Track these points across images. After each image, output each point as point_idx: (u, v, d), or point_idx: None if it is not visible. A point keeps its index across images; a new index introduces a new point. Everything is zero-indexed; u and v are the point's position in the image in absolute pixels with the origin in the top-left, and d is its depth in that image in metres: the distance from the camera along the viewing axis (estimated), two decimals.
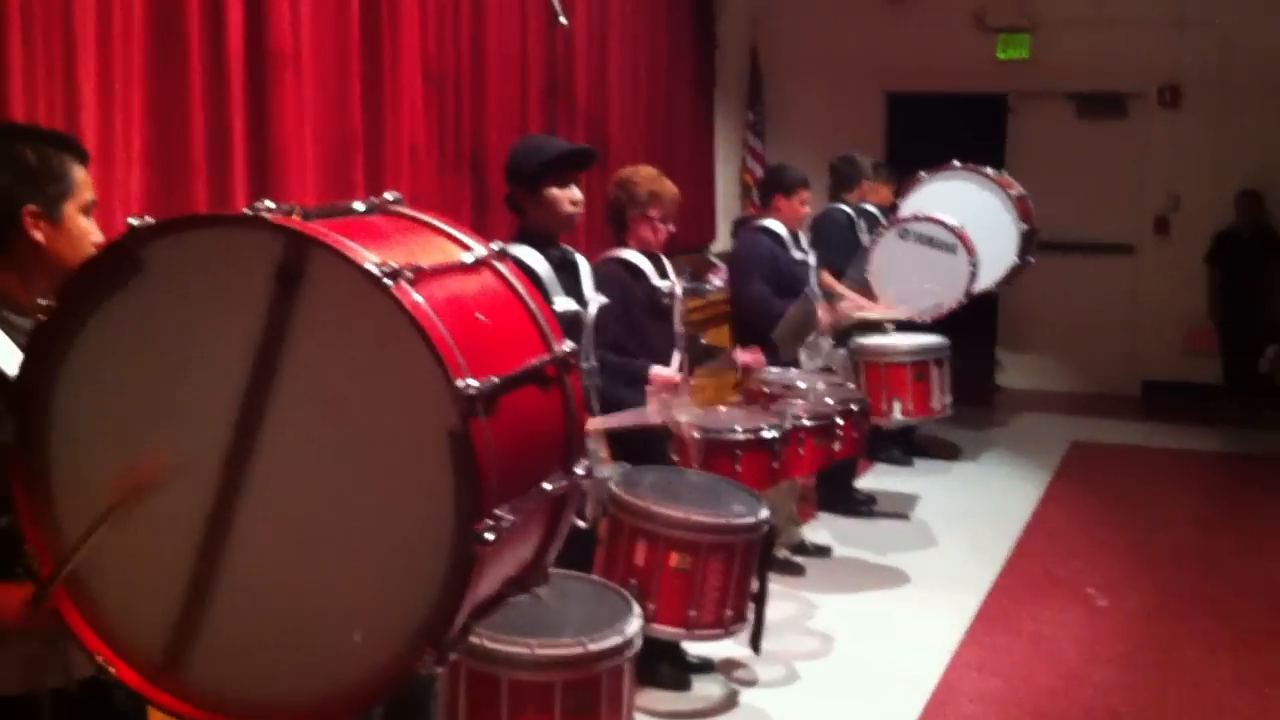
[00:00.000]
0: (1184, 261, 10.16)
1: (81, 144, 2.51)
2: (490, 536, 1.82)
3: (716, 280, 9.14)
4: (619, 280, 4.66)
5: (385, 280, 1.82)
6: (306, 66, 5.35)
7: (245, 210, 1.90)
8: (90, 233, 2.40)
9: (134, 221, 1.95)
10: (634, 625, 3.27)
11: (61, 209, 2.35)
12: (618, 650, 3.19)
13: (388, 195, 2.21)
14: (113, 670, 1.99)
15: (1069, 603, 5.86)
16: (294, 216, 1.92)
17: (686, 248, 9.40)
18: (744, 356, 5.22)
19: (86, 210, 2.41)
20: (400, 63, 6.01)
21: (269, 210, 1.90)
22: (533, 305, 2.17)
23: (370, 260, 1.83)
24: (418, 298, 1.84)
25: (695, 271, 9.21)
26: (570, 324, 3.96)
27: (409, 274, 1.86)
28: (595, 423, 3.99)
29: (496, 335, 2.04)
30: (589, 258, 4.44)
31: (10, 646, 2.22)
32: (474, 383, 1.81)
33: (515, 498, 1.92)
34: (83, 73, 4.26)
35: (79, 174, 2.40)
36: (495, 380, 1.87)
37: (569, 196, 4.04)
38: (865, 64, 10.55)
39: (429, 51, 6.26)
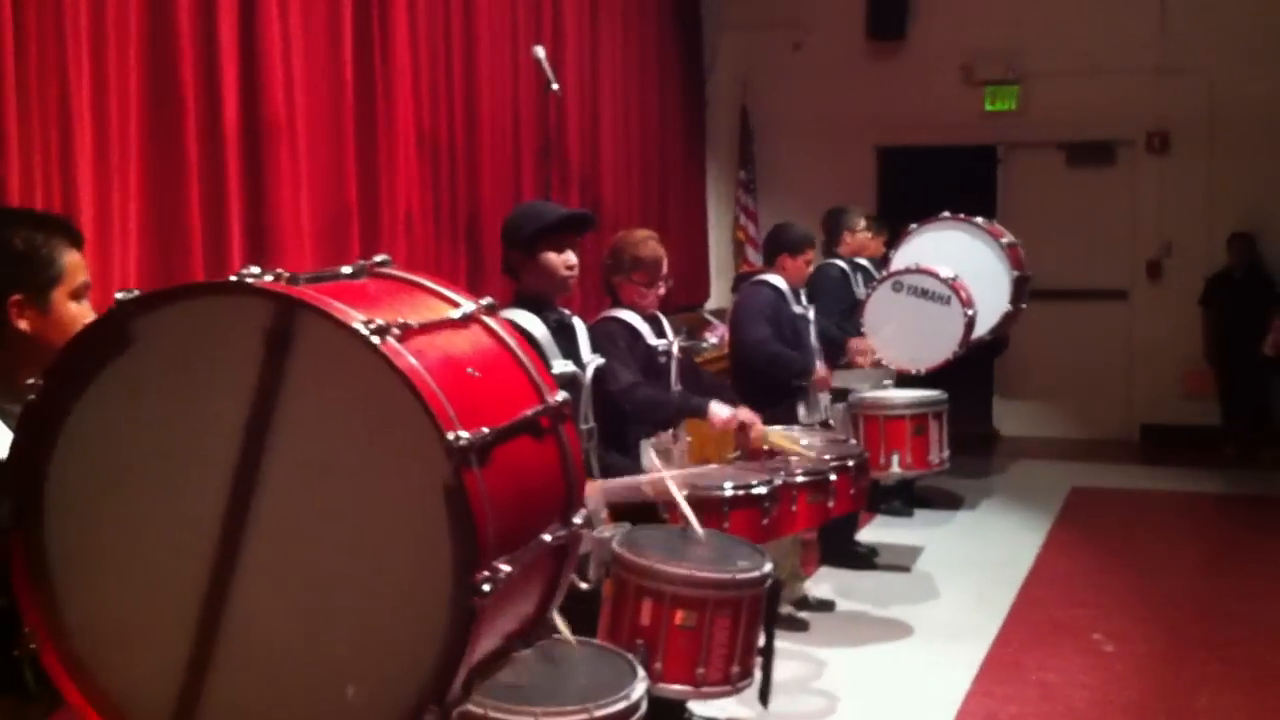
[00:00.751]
0: (1178, 305, 10.21)
1: (75, 226, 2.52)
2: (488, 588, 1.82)
3: (712, 338, 9.17)
4: (620, 333, 4.72)
5: (373, 338, 1.83)
6: (301, 137, 5.41)
7: (231, 278, 1.92)
8: (81, 317, 2.38)
9: (121, 296, 1.97)
10: (639, 689, 3.25)
11: (49, 296, 2.35)
12: (624, 715, 3.14)
13: (376, 258, 2.23)
14: None
15: (1076, 650, 5.83)
16: (281, 282, 1.94)
17: (681, 306, 9.45)
18: (744, 416, 5.20)
19: (78, 294, 2.41)
20: (394, 130, 6.07)
21: (255, 277, 1.92)
22: (524, 358, 2.18)
23: (357, 319, 1.85)
24: (406, 353, 1.86)
25: (691, 329, 9.24)
26: (569, 386, 3.98)
27: (396, 330, 1.88)
28: (593, 485, 4.00)
29: (488, 388, 2.05)
30: (587, 319, 4.48)
31: None
32: (465, 434, 1.82)
33: (514, 549, 1.92)
34: (79, 148, 4.30)
35: (70, 259, 2.39)
36: (487, 431, 1.88)
37: (564, 261, 4.08)
38: (855, 119, 10.64)
39: (422, 118, 6.33)
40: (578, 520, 2.15)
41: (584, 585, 3.93)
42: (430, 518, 1.83)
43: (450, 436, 1.80)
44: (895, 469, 6.56)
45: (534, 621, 2.16)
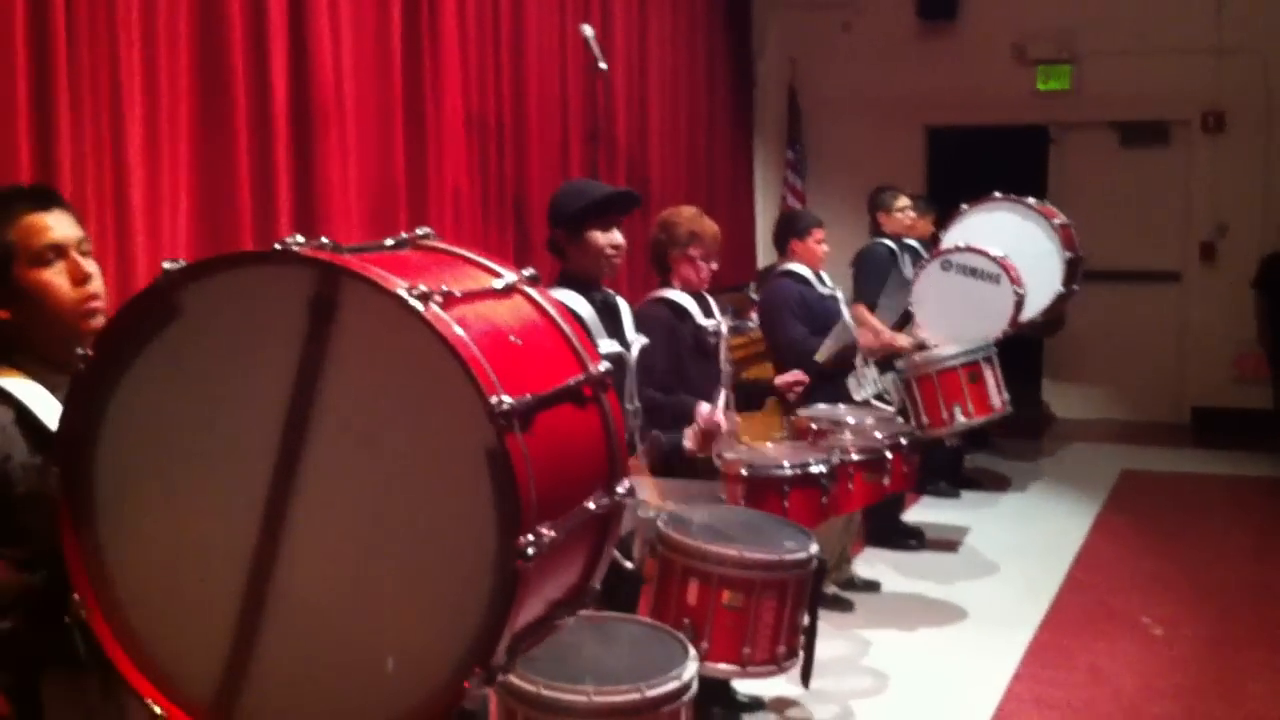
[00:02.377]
0: (1231, 288, 10.08)
1: (43, 187, 2.54)
2: (532, 551, 1.82)
3: (758, 317, 9.13)
4: (664, 321, 4.69)
5: (415, 304, 1.83)
6: (350, 117, 5.43)
7: (275, 246, 1.93)
8: (53, 282, 2.40)
9: (167, 265, 1.98)
10: (690, 669, 3.25)
11: (8, 277, 2.38)
12: (675, 695, 3.15)
13: (419, 231, 2.24)
14: (166, 716, 2.01)
15: (1124, 634, 5.80)
16: (325, 250, 1.95)
17: (727, 286, 9.42)
18: (785, 378, 5.19)
19: (41, 259, 2.41)
20: (442, 110, 6.08)
21: (299, 245, 1.93)
22: (566, 328, 2.18)
23: (400, 285, 1.85)
24: (449, 319, 1.86)
25: (737, 309, 9.21)
26: (614, 366, 3.98)
27: (439, 298, 1.88)
28: (640, 464, 4.00)
29: (530, 356, 2.05)
30: (632, 300, 4.47)
31: (66, 699, 2.23)
32: (508, 399, 1.82)
33: (557, 516, 1.93)
34: (130, 132, 4.32)
35: (18, 228, 2.40)
36: (529, 397, 1.89)
37: (610, 240, 4.07)
38: (904, 99, 10.57)
39: (470, 99, 6.34)
40: (621, 490, 2.15)
41: (628, 564, 3.94)
42: (473, 482, 1.83)
43: (493, 400, 1.80)
44: (960, 420, 6.46)
45: (578, 590, 2.17)
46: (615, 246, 4.09)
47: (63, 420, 2.06)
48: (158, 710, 2.01)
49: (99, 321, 2.40)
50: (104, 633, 2.04)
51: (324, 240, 1.98)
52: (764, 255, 10.73)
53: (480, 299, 2.05)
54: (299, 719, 1.97)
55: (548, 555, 1.88)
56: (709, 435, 4.45)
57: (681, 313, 4.77)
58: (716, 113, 9.76)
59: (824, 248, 6.50)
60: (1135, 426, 10.33)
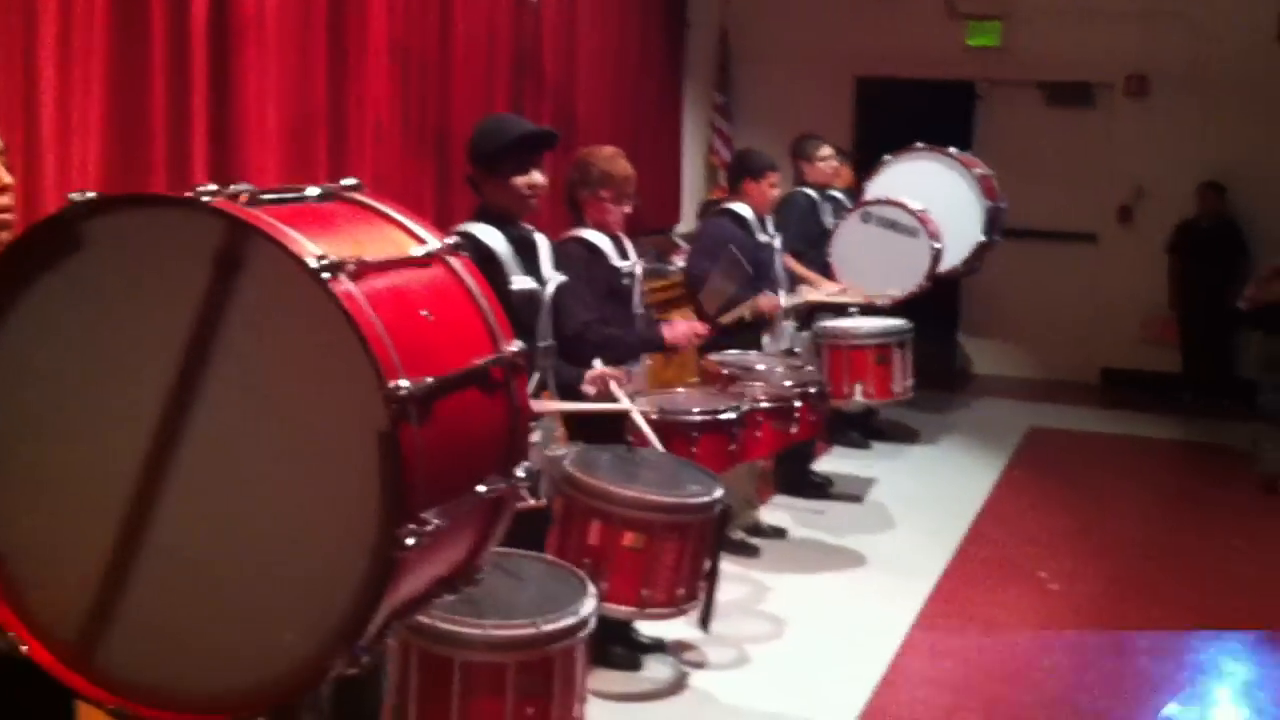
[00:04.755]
0: (1146, 251, 10.22)
1: None
2: (411, 542, 1.81)
3: (680, 261, 9.13)
4: (578, 258, 4.67)
5: (324, 274, 1.80)
6: (270, 39, 5.32)
7: (188, 193, 1.89)
8: None
9: (74, 196, 1.93)
10: (589, 605, 3.28)
11: None
12: (571, 631, 3.19)
13: (344, 181, 2.19)
14: (26, 649, 1.98)
15: (1022, 587, 5.92)
16: (239, 203, 1.91)
17: (651, 229, 9.40)
18: (676, 334, 5.14)
19: None
20: (366, 38, 5.98)
21: (213, 194, 1.89)
22: (484, 303, 2.15)
23: (311, 252, 1.82)
24: (356, 293, 1.83)
25: (660, 253, 9.20)
26: (527, 302, 3.97)
27: (351, 267, 1.85)
28: (548, 405, 4.00)
29: (441, 333, 2.02)
30: (553, 237, 4.44)
31: None
32: (406, 384, 1.80)
33: (446, 501, 1.91)
34: (42, 45, 4.22)
35: None
36: (430, 381, 1.86)
37: (529, 180, 4.03)
38: (835, 48, 10.55)
39: (395, 27, 6.23)
40: (519, 474, 2.14)
41: (534, 502, 3.95)
42: (363, 463, 1.81)
43: (391, 384, 1.78)
44: (858, 398, 6.61)
45: (462, 569, 2.15)
46: (533, 186, 4.05)
47: None
48: (23, 647, 1.98)
49: (5, 236, 2.34)
50: None
51: (243, 186, 1.94)
52: (689, 199, 10.71)
53: (396, 268, 2.01)
54: (159, 670, 1.94)
55: (431, 541, 1.87)
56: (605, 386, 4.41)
57: (595, 252, 4.75)
58: (647, 52, 9.69)
59: (776, 192, 6.51)
60: (1046, 384, 10.49)
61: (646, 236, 9.24)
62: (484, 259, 3.92)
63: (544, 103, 7.78)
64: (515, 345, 2.14)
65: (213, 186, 1.90)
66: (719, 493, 3.98)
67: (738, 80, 10.85)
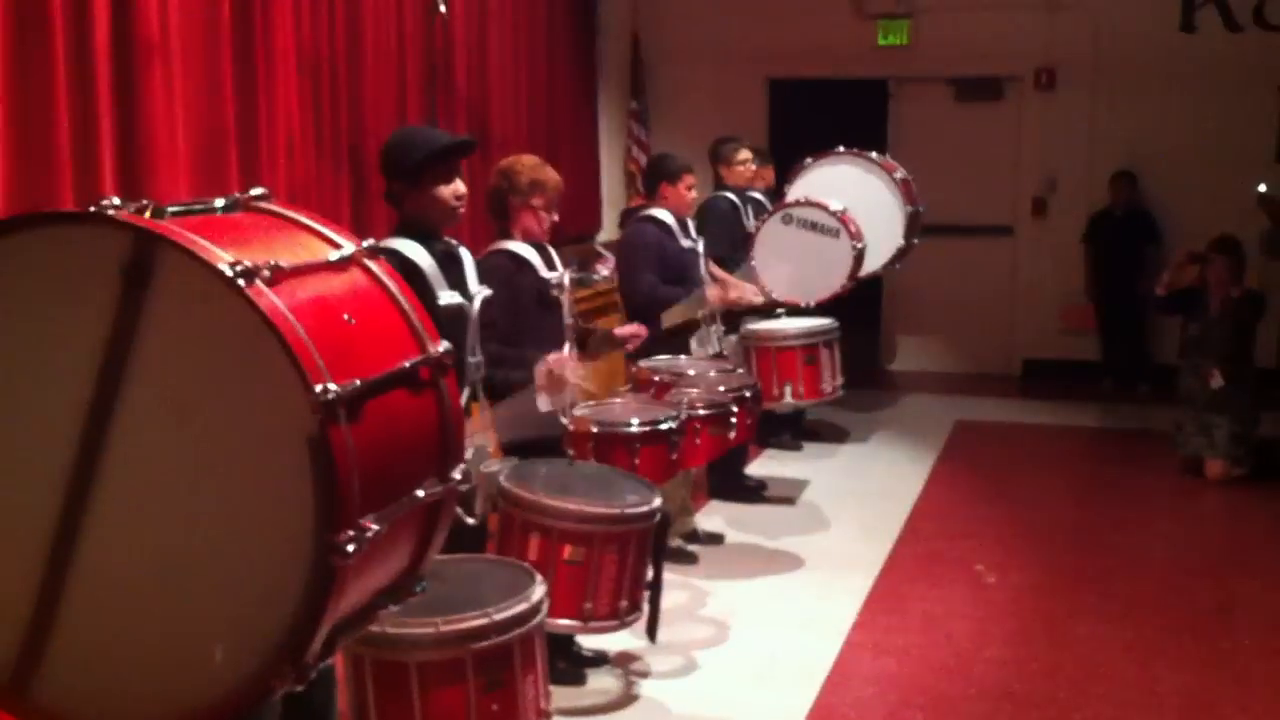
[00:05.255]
0: (1061, 242, 10.34)
1: None
2: (351, 549, 1.74)
3: (603, 269, 9.08)
4: (505, 272, 4.58)
5: (238, 280, 1.74)
6: (176, 55, 5.19)
7: (91, 207, 1.81)
8: None
9: None
10: (539, 591, 3.21)
11: None
12: (525, 616, 3.12)
13: (253, 191, 2.12)
14: None
15: (958, 581, 5.93)
16: (145, 214, 1.83)
17: (571, 237, 9.34)
18: (624, 330, 5.12)
19: None
20: (273, 51, 5.86)
21: (116, 208, 1.81)
22: (406, 305, 2.09)
23: (223, 259, 1.75)
24: (274, 298, 1.77)
25: (582, 261, 9.14)
26: (455, 317, 3.89)
27: (266, 273, 1.78)
28: (486, 421, 3.92)
29: (364, 336, 1.96)
30: (473, 250, 4.35)
31: None
32: (334, 387, 1.74)
33: (383, 506, 1.85)
34: None
35: None
36: (358, 383, 1.80)
37: (454, 191, 3.94)
38: (747, 50, 10.56)
39: (303, 40, 6.12)
40: (456, 475, 2.07)
41: (470, 520, 3.87)
42: (293, 470, 1.75)
43: (318, 389, 1.72)
44: (789, 399, 6.61)
45: (404, 576, 2.09)
46: (459, 196, 3.97)
47: None
48: None
49: None
50: None
51: (145, 203, 1.87)
52: (609, 206, 10.67)
53: (313, 273, 1.95)
54: (100, 701, 1.87)
55: (369, 548, 1.80)
56: (557, 380, 4.32)
57: (523, 264, 4.66)
58: (558, 59, 9.62)
59: (693, 194, 6.47)
60: (969, 378, 10.56)
61: (568, 245, 9.18)
62: (409, 274, 3.82)
63: (457, 113, 7.69)
64: (442, 346, 2.08)
65: (116, 200, 1.82)
66: (657, 501, 3.94)
67: (651, 85, 10.83)
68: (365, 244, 2.11)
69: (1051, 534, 6.65)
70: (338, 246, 2.06)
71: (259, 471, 1.78)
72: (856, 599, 5.65)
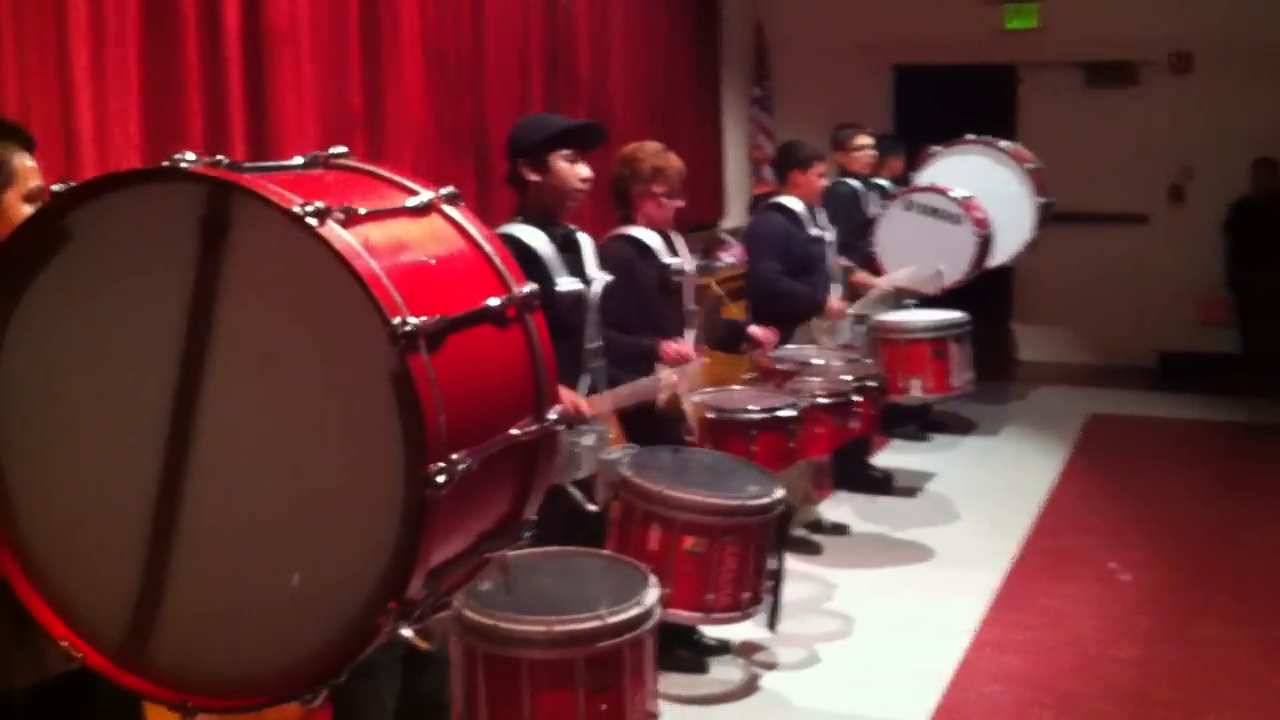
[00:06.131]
0: (1199, 230, 10.00)
1: (27, 131, 2.47)
2: (442, 480, 1.72)
3: (727, 257, 9.03)
4: (627, 258, 4.55)
5: (310, 220, 1.72)
6: (304, 45, 5.27)
7: (164, 163, 1.81)
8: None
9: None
10: (652, 595, 3.17)
11: (2, 199, 2.31)
12: (637, 621, 3.08)
13: (333, 150, 2.11)
14: (81, 656, 1.93)
15: (1090, 578, 5.77)
16: (219, 168, 1.83)
17: (695, 225, 9.30)
18: (756, 331, 5.07)
19: (32, 198, 2.36)
20: (400, 40, 5.92)
21: (190, 162, 1.81)
22: (488, 247, 2.06)
23: (296, 202, 1.74)
24: (347, 236, 1.76)
25: (706, 248, 9.10)
26: (574, 303, 3.87)
27: (340, 214, 1.77)
28: (602, 400, 3.89)
29: (444, 275, 1.94)
30: (595, 238, 4.33)
31: None
32: (413, 320, 1.71)
33: (476, 443, 1.82)
34: (76, 58, 4.18)
35: (22, 162, 2.36)
36: (439, 318, 1.78)
37: (577, 172, 3.92)
38: (872, 37, 10.40)
39: (429, 29, 6.17)
40: (551, 416, 2.04)
41: (591, 508, 3.85)
42: (379, 408, 1.73)
43: (395, 321, 1.70)
44: (915, 393, 6.47)
45: (509, 521, 2.05)
46: (584, 179, 3.94)
47: None
48: (77, 653, 1.93)
49: None
50: (13, 571, 1.95)
51: (220, 158, 1.86)
52: (732, 193, 10.61)
53: (390, 218, 1.93)
54: (210, 658, 1.88)
55: (464, 484, 1.77)
56: (678, 368, 4.28)
57: (645, 250, 4.63)
58: (680, 48, 9.58)
59: (824, 181, 6.39)
60: (1102, 370, 10.29)
61: (691, 233, 9.15)
62: (526, 260, 3.81)
63: (579, 102, 7.69)
64: (528, 287, 2.05)
65: (190, 155, 1.83)
66: (779, 493, 3.87)
67: (775, 72, 10.73)
68: (444, 190, 2.08)
69: (1188, 531, 6.43)
70: (415, 194, 2.04)
71: (347, 413, 1.77)
72: (983, 595, 5.53)
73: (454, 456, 1.76)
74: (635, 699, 3.06)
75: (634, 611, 3.06)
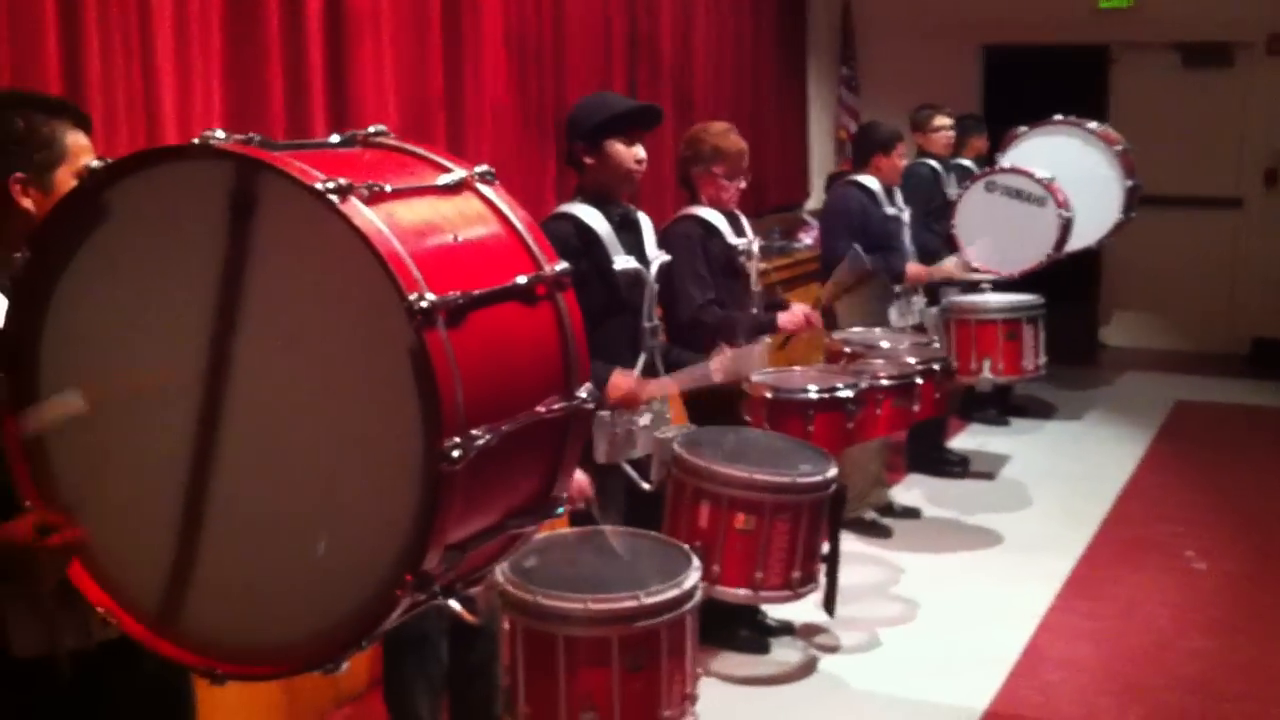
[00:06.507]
0: None
1: (81, 109, 2.49)
2: (457, 454, 1.77)
3: (807, 238, 9.00)
4: (693, 236, 4.59)
5: (331, 196, 1.77)
6: (386, 27, 5.33)
7: (194, 140, 1.88)
8: None
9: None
10: (693, 578, 3.20)
11: (53, 176, 2.33)
12: (675, 603, 3.11)
13: (371, 128, 2.16)
14: (116, 622, 2.01)
15: (1164, 567, 5.69)
16: (251, 145, 1.89)
17: (777, 206, 9.29)
18: (787, 319, 4.91)
19: (80, 175, 2.37)
20: (480, 23, 5.97)
21: (219, 140, 1.87)
22: (520, 225, 2.09)
23: (319, 179, 1.79)
24: (368, 213, 1.80)
25: (785, 230, 9.08)
26: (633, 282, 3.91)
27: (363, 191, 1.82)
28: (660, 385, 3.93)
29: (470, 253, 1.97)
30: (666, 216, 4.36)
31: (25, 607, 2.22)
32: (431, 296, 1.76)
33: (497, 420, 1.86)
34: (160, 42, 4.26)
35: (74, 139, 2.38)
36: (459, 294, 1.82)
37: (633, 155, 3.94)
38: (960, 16, 10.27)
39: (509, 12, 6.22)
40: (581, 394, 2.07)
41: (646, 486, 3.91)
42: (398, 384, 1.78)
43: (411, 296, 1.75)
44: (986, 374, 6.44)
45: (539, 498, 2.10)
46: (638, 161, 3.97)
47: (7, 323, 2.04)
48: (104, 611, 2.02)
49: None
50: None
51: (253, 136, 1.92)
52: (818, 174, 10.55)
53: (418, 195, 1.97)
54: (239, 626, 1.95)
55: (483, 460, 1.81)
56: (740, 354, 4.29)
57: (710, 230, 4.66)
58: (765, 27, 9.53)
59: (904, 162, 6.38)
60: (1191, 356, 10.09)
61: (773, 214, 9.14)
62: (586, 240, 3.87)
63: (661, 85, 7.70)
64: (560, 265, 2.08)
65: (220, 133, 1.88)
66: (832, 472, 3.88)
67: (863, 53, 10.64)
68: (479, 169, 2.12)
69: (1267, 522, 6.30)
70: (448, 171, 2.08)
71: (370, 388, 1.82)
72: (1053, 582, 5.49)
73: (473, 432, 1.80)
74: (672, 680, 3.10)
75: (672, 593, 3.10)
